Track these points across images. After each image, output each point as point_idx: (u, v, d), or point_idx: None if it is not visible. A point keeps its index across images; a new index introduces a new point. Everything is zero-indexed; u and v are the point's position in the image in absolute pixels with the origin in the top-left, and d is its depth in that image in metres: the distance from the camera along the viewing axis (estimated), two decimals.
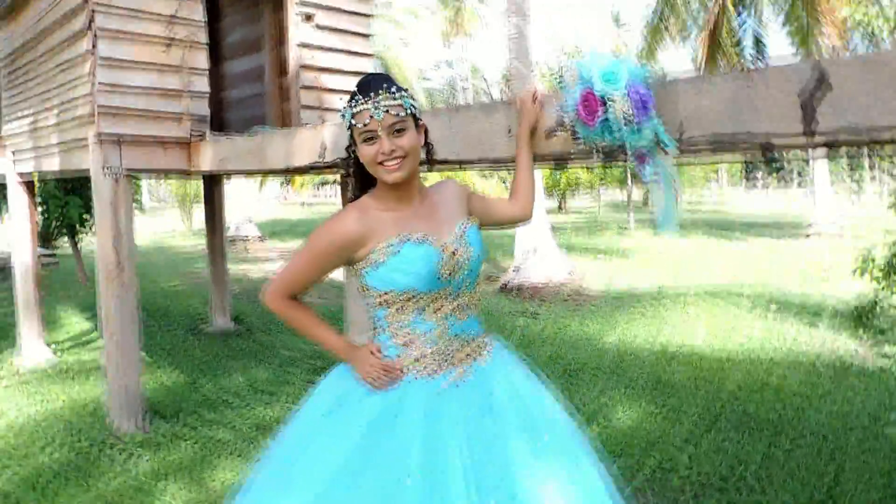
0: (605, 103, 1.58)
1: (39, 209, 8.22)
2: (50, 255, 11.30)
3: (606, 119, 1.60)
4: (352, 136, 1.53)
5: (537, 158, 1.95)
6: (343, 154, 1.66)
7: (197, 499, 2.93)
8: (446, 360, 1.53)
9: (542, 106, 1.89)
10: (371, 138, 1.47)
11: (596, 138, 1.69)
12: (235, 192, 15.91)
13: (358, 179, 1.64)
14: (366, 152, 1.49)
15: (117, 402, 3.63)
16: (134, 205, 9.13)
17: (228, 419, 3.84)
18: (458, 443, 1.41)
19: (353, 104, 1.48)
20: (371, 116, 1.45)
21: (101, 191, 3.47)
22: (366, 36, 4.66)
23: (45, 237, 11.61)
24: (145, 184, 31.73)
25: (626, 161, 1.77)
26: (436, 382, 1.50)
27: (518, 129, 1.90)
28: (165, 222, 23.60)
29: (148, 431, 3.66)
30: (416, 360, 1.52)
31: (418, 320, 1.51)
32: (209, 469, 3.21)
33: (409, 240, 1.49)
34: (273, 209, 29.20)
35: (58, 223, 8.46)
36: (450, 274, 1.52)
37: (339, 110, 1.57)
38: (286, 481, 1.48)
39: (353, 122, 1.48)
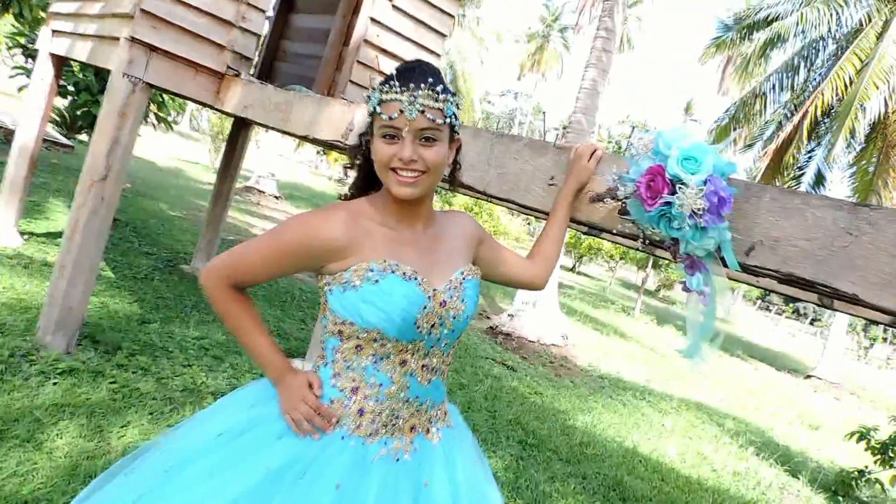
0: (673, 189, 1.30)
1: (70, 97, 8.04)
2: (68, 146, 11.14)
3: (669, 206, 1.31)
4: (372, 125, 1.24)
5: (571, 222, 1.67)
6: (356, 141, 1.38)
7: (89, 451, 2.62)
8: (389, 426, 1.22)
9: (598, 166, 1.61)
10: (392, 136, 1.19)
11: (647, 223, 1.40)
12: (269, 143, 15.77)
13: (361, 177, 1.36)
14: (381, 151, 1.20)
15: (53, 315, 3.35)
16: (163, 123, 8.98)
17: (161, 371, 3.54)
18: None
19: (384, 89, 1.19)
20: (401, 111, 1.17)
21: (114, 94, 3.22)
22: (442, 35, 4.43)
23: (71, 126, 11.47)
24: (190, 108, 31.83)
25: (672, 259, 1.47)
26: (368, 449, 1.20)
27: (564, 184, 1.61)
28: (194, 151, 23.53)
29: (73, 354, 3.37)
30: (354, 413, 1.21)
31: (373, 368, 1.21)
32: (116, 421, 2.91)
33: (394, 271, 1.19)
34: (300, 173, 29.12)
35: (83, 115, 8.26)
36: (430, 327, 1.22)
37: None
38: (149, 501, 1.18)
39: (379, 110, 1.20)
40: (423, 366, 1.24)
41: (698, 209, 1.26)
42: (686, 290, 1.42)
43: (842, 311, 1.92)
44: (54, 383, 3.04)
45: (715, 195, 1.26)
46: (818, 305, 2.22)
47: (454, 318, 1.25)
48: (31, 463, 2.42)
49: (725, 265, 1.36)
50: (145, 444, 1.38)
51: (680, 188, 1.28)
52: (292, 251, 1.22)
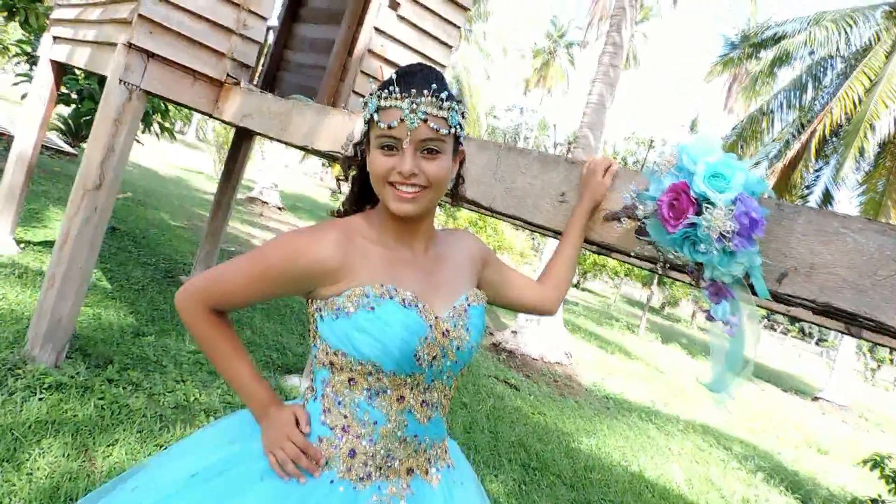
0: (699, 209, 1.18)
1: (73, 105, 7.98)
2: (71, 154, 11.11)
3: (694, 228, 1.19)
4: (368, 133, 1.12)
5: (583, 242, 1.55)
6: (350, 151, 1.27)
7: (72, 472, 2.49)
8: (384, 468, 1.10)
9: (613, 182, 1.50)
10: (391, 147, 1.07)
11: (669, 246, 1.28)
12: (275, 154, 15.72)
13: (356, 190, 1.24)
14: (378, 163, 1.08)
15: (41, 327, 3.23)
16: (166, 133, 8.91)
17: (153, 386, 3.42)
18: None
19: (383, 94, 1.08)
20: (402, 119, 1.05)
21: (109, 101, 3.13)
22: (448, 46, 4.34)
23: (75, 134, 11.44)
24: (196, 118, 31.98)
25: (695, 285, 1.35)
26: (359, 495, 1.07)
27: (578, 202, 1.49)
28: (199, 161, 23.56)
29: (61, 368, 3.25)
30: (345, 455, 1.09)
31: (367, 405, 1.09)
32: (103, 439, 2.78)
33: (392, 296, 1.07)
34: (305, 185, 29.12)
35: (86, 123, 8.21)
36: (431, 359, 1.09)
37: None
38: None
39: (377, 117, 1.08)
40: (422, 401, 1.12)
41: (727, 231, 1.14)
42: (710, 318, 1.30)
43: (874, 342, 1.79)
44: (40, 398, 2.92)
45: (746, 216, 1.14)
46: (845, 334, 2.09)
47: (458, 348, 1.13)
48: (9, 484, 2.30)
49: (754, 293, 1.24)
50: (123, 475, 1.26)
51: (707, 208, 1.16)
52: (277, 274, 1.09)
